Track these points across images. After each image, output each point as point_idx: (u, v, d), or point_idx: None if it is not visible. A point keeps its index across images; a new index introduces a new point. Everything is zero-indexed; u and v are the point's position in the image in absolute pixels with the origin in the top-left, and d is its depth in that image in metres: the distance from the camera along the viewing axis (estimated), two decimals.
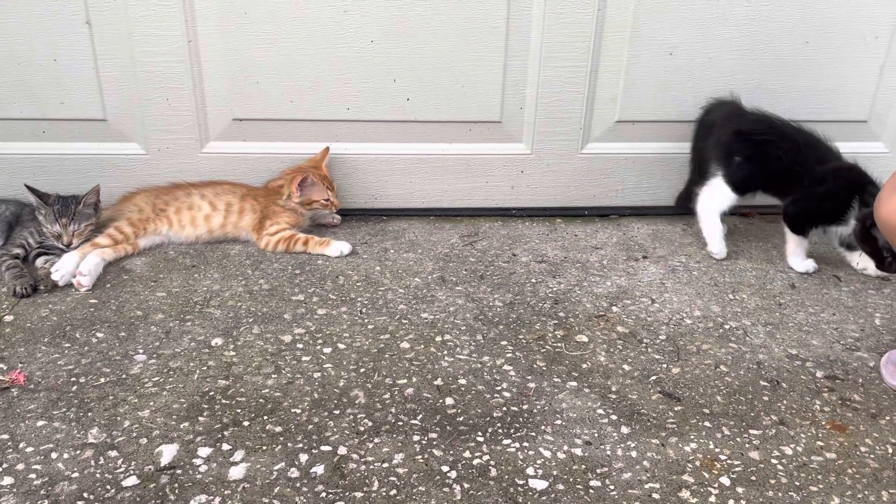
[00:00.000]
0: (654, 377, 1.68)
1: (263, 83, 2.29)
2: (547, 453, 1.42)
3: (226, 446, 1.40)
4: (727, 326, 1.90)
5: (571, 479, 1.35)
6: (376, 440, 1.44)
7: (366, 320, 1.87)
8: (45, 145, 2.30)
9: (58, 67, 2.19)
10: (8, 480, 1.30)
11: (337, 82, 2.32)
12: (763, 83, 2.45)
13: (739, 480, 1.37)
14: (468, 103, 2.39)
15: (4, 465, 1.33)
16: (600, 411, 1.55)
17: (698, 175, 2.38)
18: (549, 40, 2.30)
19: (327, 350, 1.73)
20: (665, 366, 1.72)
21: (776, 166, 2.18)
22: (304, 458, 1.38)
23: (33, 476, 1.31)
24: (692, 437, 1.49)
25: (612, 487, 1.34)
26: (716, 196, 2.27)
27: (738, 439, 1.48)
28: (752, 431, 1.51)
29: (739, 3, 2.33)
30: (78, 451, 1.37)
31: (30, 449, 1.38)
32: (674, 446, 1.46)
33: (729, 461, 1.42)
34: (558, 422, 1.51)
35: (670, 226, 2.54)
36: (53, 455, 1.36)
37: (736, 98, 2.37)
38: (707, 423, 1.52)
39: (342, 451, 1.40)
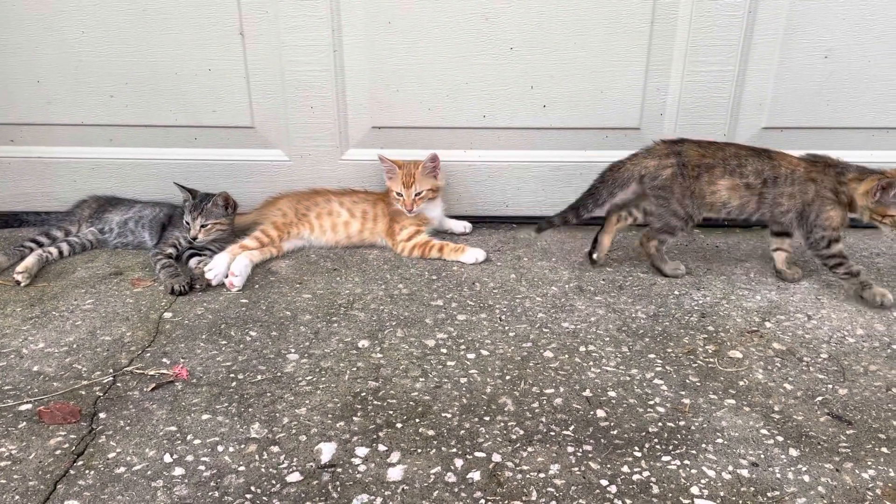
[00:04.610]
0: (819, 398, 1.57)
1: (403, 92, 2.32)
2: (711, 472, 1.35)
3: (382, 447, 1.41)
4: (895, 347, 1.77)
5: (741, 502, 1.28)
6: (530, 449, 1.41)
7: (506, 327, 1.85)
8: (196, 151, 2.42)
9: (212, 77, 2.30)
10: (179, 471, 1.35)
11: (475, 90, 2.32)
12: None
13: None
14: (606, 110, 2.34)
15: (175, 456, 1.39)
16: (764, 431, 1.46)
17: None
18: (694, 42, 2.22)
19: (471, 356, 1.73)
20: (830, 386, 1.61)
21: None
22: (459, 463, 1.37)
23: (202, 468, 1.36)
24: (869, 463, 1.38)
25: None
26: None
27: None
28: None
29: None
30: (242, 446, 1.41)
31: (197, 441, 1.43)
32: (850, 472, 1.36)
33: None
34: (719, 440, 1.44)
35: None
36: (220, 448, 1.41)
37: None
38: (884, 450, 1.41)
39: (496, 458, 1.39)
